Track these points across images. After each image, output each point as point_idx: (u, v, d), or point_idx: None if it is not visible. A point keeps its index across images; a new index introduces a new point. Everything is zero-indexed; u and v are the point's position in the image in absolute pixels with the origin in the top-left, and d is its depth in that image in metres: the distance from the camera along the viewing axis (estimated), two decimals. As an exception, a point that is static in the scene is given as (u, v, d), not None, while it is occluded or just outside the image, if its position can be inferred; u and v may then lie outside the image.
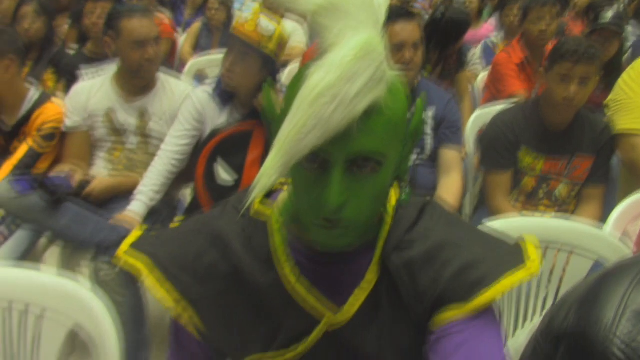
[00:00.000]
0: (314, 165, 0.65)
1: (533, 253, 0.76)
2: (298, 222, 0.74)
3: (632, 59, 3.17)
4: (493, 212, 2.02)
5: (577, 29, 3.97)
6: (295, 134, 0.60)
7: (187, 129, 1.94)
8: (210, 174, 1.91)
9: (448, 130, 2.08)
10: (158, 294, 0.77)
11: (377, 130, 0.64)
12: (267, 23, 1.81)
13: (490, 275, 0.72)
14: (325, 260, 0.77)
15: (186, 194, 2.22)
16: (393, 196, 0.80)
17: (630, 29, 3.62)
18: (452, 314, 0.72)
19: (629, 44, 3.36)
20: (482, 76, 3.26)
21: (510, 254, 0.76)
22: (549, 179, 2.05)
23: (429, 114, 2.08)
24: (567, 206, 2.09)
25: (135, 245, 0.79)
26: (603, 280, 0.88)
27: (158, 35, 1.97)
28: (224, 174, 1.91)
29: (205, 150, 1.90)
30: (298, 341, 0.77)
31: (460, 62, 3.14)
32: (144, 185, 1.91)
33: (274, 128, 0.69)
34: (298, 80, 0.64)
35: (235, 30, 1.82)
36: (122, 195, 1.97)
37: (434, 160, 2.11)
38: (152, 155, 1.98)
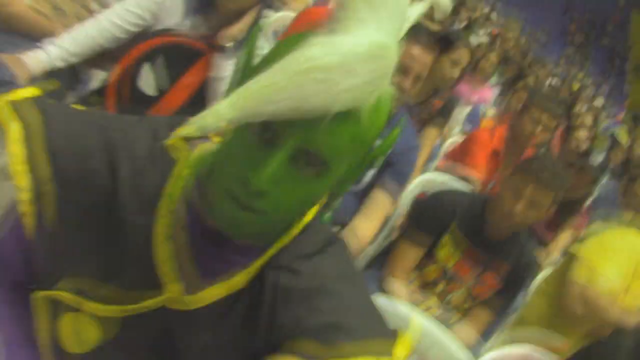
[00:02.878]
0: (263, 135, 0.66)
1: (403, 349, 0.76)
2: (209, 186, 0.73)
3: (594, 206, 3.34)
4: (385, 278, 2.07)
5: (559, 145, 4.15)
6: (266, 92, 0.60)
7: (140, 12, 1.82)
8: (134, 72, 1.82)
9: (393, 175, 2.08)
10: (20, 164, 0.74)
11: (344, 136, 0.65)
12: None
13: (351, 348, 0.72)
14: (210, 237, 0.76)
15: (97, 76, 2.09)
16: (311, 213, 0.82)
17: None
18: None
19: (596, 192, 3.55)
20: (453, 140, 3.33)
21: (381, 337, 0.76)
22: (452, 281, 2.12)
23: None
24: (451, 314, 2.16)
25: (30, 101, 0.78)
26: None
27: None
28: (147, 81, 1.83)
29: (144, 45, 1.81)
30: (130, 298, 0.77)
31: (443, 113, 3.13)
32: (62, 39, 1.77)
33: (243, 76, 0.69)
34: (293, 44, 0.64)
35: None
36: (30, 36, 1.82)
37: (364, 193, 2.10)
38: (85, 11, 1.88)
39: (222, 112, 0.62)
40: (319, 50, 0.61)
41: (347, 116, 0.64)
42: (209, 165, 0.74)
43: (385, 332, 0.78)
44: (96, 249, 0.77)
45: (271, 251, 0.78)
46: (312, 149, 0.65)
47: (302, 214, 0.78)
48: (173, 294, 0.76)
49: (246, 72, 0.71)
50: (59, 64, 1.77)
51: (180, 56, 1.83)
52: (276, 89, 0.61)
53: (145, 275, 0.76)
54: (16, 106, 0.77)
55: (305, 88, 0.60)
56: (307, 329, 0.73)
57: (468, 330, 2.11)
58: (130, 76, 1.83)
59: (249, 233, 0.71)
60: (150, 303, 0.76)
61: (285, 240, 0.78)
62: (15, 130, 0.75)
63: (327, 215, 0.84)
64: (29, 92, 0.80)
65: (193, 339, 0.77)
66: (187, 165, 0.77)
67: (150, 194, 0.76)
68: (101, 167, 0.76)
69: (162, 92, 1.85)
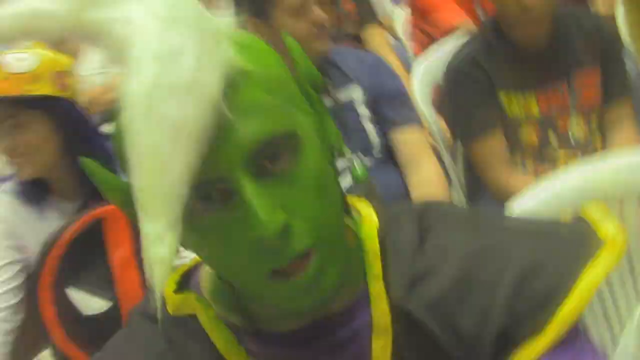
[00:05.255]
0: (212, 201, 0.62)
1: (607, 224, 0.72)
2: (242, 296, 0.72)
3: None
4: (498, 196, 1.93)
5: None
6: (156, 170, 0.58)
7: (5, 261, 1.73)
8: (67, 309, 1.67)
9: (391, 105, 1.98)
10: None
11: (259, 101, 0.62)
12: (15, 55, 1.64)
13: (562, 278, 0.69)
14: (301, 339, 0.73)
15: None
16: (365, 211, 0.78)
17: None
18: (530, 353, 0.68)
19: None
20: (402, 20, 3.16)
21: (576, 238, 0.73)
22: (555, 119, 1.98)
23: (356, 95, 1.96)
24: (593, 145, 2.03)
25: None
26: None
27: None
28: (88, 300, 1.69)
29: (45, 278, 1.65)
30: None
31: (364, 10, 2.95)
32: None
33: (129, 200, 0.64)
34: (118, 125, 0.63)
35: None
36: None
37: (391, 156, 2.00)
38: None
39: (155, 238, 0.59)
40: (133, 88, 0.57)
41: (233, 86, 0.60)
42: (222, 283, 0.74)
43: (569, 231, 0.74)
44: None
45: (375, 284, 0.73)
46: (256, 145, 0.61)
47: (339, 200, 0.71)
48: None
49: (126, 195, 0.67)
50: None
51: (86, 249, 1.68)
52: (157, 160, 0.57)
53: None
54: None
55: (171, 118, 0.57)
56: (501, 310, 0.69)
57: (622, 135, 1.99)
58: (69, 318, 1.67)
59: (335, 279, 0.66)
60: None
61: (376, 261, 0.73)
62: None
63: (361, 170, 0.83)
64: None
65: None
66: (205, 305, 0.75)
67: None
68: None
69: (113, 294, 1.70)
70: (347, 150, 0.75)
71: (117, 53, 0.61)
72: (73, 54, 1.95)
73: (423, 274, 0.72)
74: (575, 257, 0.70)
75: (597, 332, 1.44)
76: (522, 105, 1.93)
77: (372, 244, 0.74)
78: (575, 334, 0.70)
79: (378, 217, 0.77)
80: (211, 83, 0.58)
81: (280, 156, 0.62)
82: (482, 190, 2.07)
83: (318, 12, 1.81)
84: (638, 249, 1.41)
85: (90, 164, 0.68)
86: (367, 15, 2.96)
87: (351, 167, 0.74)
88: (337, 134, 0.72)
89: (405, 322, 0.72)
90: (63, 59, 1.72)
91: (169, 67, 0.57)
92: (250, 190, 0.60)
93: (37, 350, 1.88)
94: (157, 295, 0.62)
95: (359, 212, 0.78)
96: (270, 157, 0.62)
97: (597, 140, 2.01)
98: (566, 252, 0.71)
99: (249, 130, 0.60)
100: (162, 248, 0.59)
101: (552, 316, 0.67)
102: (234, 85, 0.60)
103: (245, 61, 0.62)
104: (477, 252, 0.72)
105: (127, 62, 0.59)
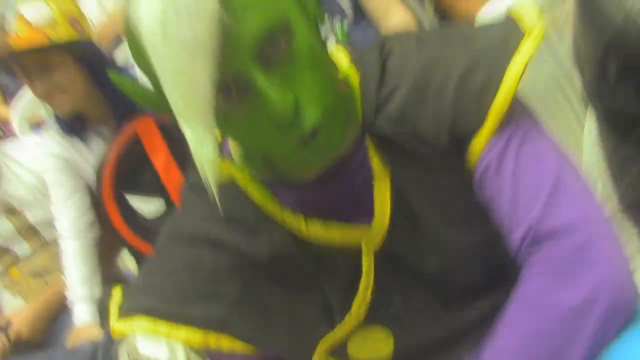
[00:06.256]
0: (232, 96, 0.70)
1: (528, 16, 0.78)
2: (268, 163, 0.81)
3: None
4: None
5: None
6: (184, 85, 0.65)
7: (70, 186, 1.93)
8: (130, 213, 1.92)
9: None
10: (178, 339, 0.82)
11: (250, 1, 0.68)
12: (32, 6, 1.75)
13: (495, 69, 0.75)
14: (319, 183, 0.82)
15: (126, 263, 2.21)
16: (339, 56, 0.85)
17: None
18: (480, 142, 0.76)
19: None
20: None
21: (503, 34, 0.79)
22: None
23: None
24: None
25: (124, 309, 0.86)
26: None
27: None
28: (146, 204, 1.93)
29: (106, 191, 1.89)
30: (352, 288, 0.84)
31: None
32: (73, 283, 1.87)
33: (163, 106, 0.73)
34: (132, 38, 0.69)
35: (13, 47, 1.77)
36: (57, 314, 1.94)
37: (362, 15, 1.98)
38: (57, 251, 1.94)
39: (198, 139, 0.68)
40: (143, 7, 0.64)
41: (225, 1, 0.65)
42: (250, 153, 0.83)
43: (498, 30, 0.80)
44: (298, 308, 0.88)
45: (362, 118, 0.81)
46: (255, 41, 0.68)
47: (331, 66, 0.79)
48: (365, 237, 0.83)
49: (158, 102, 0.75)
50: (98, 295, 1.88)
51: (132, 161, 1.89)
52: (176, 71, 0.65)
53: (338, 264, 0.85)
54: (125, 312, 0.87)
55: (181, 32, 0.63)
56: (451, 105, 0.76)
57: None
58: (135, 223, 1.90)
59: (336, 141, 0.75)
60: (366, 264, 0.83)
61: (358, 96, 0.81)
62: (144, 328, 0.84)
63: (340, 34, 0.99)
64: (116, 297, 0.90)
65: (423, 237, 0.83)
66: (240, 170, 0.85)
67: (253, 221, 0.84)
68: (214, 255, 0.86)
69: (164, 194, 1.91)
70: (325, 16, 0.79)
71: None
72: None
73: (387, 95, 0.79)
74: (504, 50, 0.76)
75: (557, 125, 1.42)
76: None
77: (354, 81, 0.82)
78: (519, 119, 0.77)
79: (349, 57, 0.84)
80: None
81: (278, 42, 0.69)
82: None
83: None
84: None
85: (121, 80, 0.77)
86: None
87: (334, 31, 0.86)
88: (315, 3, 0.77)
89: (379, 140, 0.80)
90: (72, 4, 1.86)
91: (169, 14, 0.63)
92: (261, 79, 0.68)
93: (117, 252, 2.12)
94: (214, 190, 0.71)
95: (339, 60, 0.85)
96: (272, 46, 0.69)
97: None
98: (496, 48, 0.77)
99: (250, 27, 0.67)
100: (207, 148, 0.69)
101: (490, 104, 0.75)
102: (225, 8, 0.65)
103: None
104: (427, 63, 0.79)
105: None
